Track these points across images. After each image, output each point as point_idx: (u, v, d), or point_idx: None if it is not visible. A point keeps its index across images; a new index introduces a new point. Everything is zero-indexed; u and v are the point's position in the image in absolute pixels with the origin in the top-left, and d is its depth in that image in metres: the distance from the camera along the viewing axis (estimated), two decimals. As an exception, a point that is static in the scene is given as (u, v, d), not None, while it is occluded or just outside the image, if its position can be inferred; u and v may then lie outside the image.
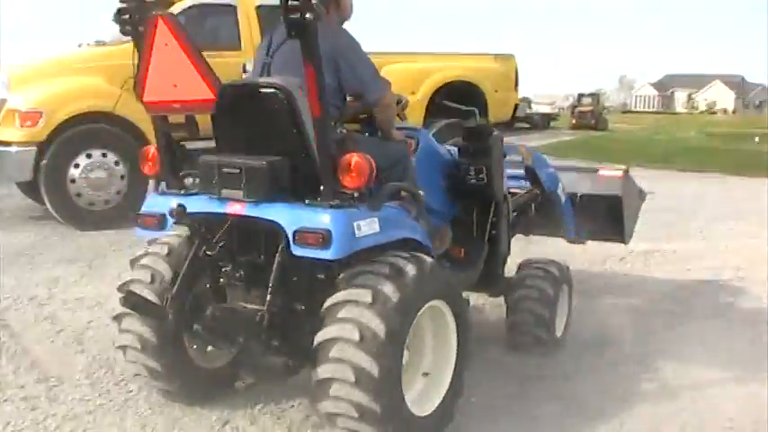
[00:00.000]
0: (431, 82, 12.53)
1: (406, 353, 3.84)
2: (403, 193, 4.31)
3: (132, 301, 4.02)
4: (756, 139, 39.07)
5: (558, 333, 5.54)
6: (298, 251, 3.73)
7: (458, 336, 4.21)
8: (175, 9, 10.32)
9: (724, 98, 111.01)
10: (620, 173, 6.48)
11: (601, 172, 6.68)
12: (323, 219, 3.70)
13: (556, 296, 5.44)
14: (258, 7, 10.98)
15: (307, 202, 3.83)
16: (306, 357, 3.86)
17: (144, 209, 4.32)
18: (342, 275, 3.84)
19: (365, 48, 4.39)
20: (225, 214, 4.02)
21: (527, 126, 44.16)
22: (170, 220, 4.10)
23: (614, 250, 7.84)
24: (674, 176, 20.59)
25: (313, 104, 3.70)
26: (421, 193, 4.37)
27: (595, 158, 24.04)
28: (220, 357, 4.58)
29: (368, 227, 3.79)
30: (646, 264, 8.30)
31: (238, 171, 3.89)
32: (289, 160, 3.92)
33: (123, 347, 4.39)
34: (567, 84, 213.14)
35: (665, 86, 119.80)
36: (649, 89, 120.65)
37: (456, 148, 5.32)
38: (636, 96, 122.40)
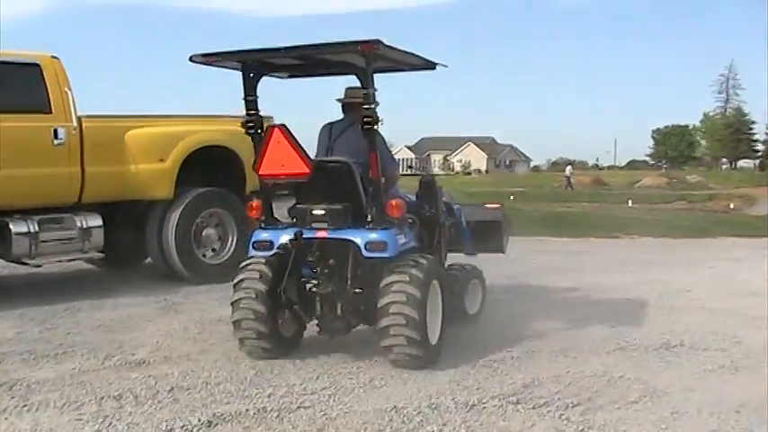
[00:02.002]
0: (182, 147, 11.08)
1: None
2: (410, 221, 7.17)
3: (253, 291, 6.72)
4: (512, 197, 40.49)
5: (472, 311, 8.31)
6: (367, 254, 6.55)
7: (443, 299, 6.91)
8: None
9: (477, 159, 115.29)
10: (498, 205, 9.35)
11: (486, 205, 9.44)
12: (382, 236, 6.54)
13: (465, 284, 8.22)
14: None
15: (363, 226, 6.67)
16: (360, 320, 6.88)
17: (255, 239, 6.98)
18: (387, 267, 6.49)
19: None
20: (315, 237, 6.76)
21: (287, 192, 43.53)
22: (276, 244, 6.86)
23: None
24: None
25: (374, 174, 6.61)
26: (412, 219, 7.26)
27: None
28: (291, 330, 6.91)
29: (402, 239, 6.69)
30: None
31: (324, 212, 6.71)
32: (350, 205, 6.73)
33: (239, 320, 6.81)
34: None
35: (422, 149, 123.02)
36: (406, 152, 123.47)
37: (413, 195, 7.77)
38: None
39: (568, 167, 71.06)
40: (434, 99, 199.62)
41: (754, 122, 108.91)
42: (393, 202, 6.60)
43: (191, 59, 6.89)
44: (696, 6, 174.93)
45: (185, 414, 5.32)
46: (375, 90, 6.51)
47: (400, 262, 6.47)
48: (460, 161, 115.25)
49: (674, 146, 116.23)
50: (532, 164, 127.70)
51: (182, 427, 5.06)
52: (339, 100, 7.49)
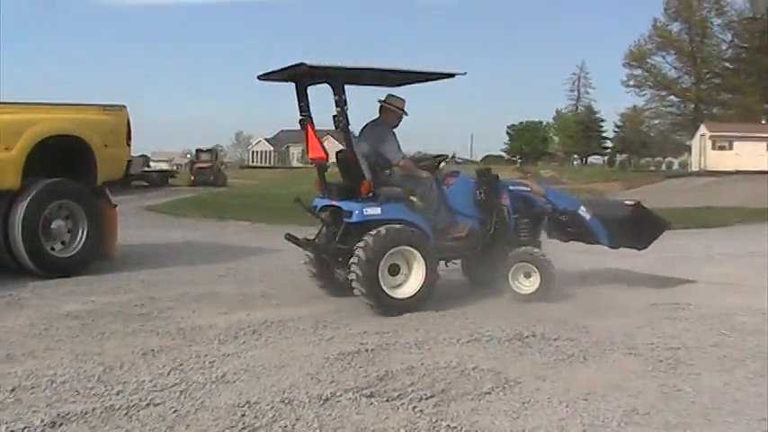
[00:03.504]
0: (30, 136, 10.70)
1: (386, 267, 8.51)
2: (412, 198, 8.88)
3: (293, 241, 9.17)
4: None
5: (521, 291, 9.32)
6: (345, 220, 8.67)
7: (425, 262, 8.63)
8: None
9: (334, 151, 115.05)
10: (632, 202, 10.35)
11: (625, 202, 10.56)
12: (350, 206, 8.60)
13: (510, 266, 9.33)
14: None
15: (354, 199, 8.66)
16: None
17: (313, 204, 9.32)
18: (360, 235, 8.43)
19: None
20: (330, 205, 9.04)
21: (145, 184, 42.74)
22: (317, 209, 9.24)
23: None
24: (295, 231, 20.26)
25: (349, 153, 8.75)
26: (413, 198, 8.91)
27: (216, 214, 23.43)
28: (343, 275, 8.78)
29: (371, 210, 8.52)
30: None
31: (334, 187, 9.15)
32: (351, 183, 8.79)
33: (305, 263, 9.51)
34: (185, 140, 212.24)
35: (281, 142, 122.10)
36: (265, 145, 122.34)
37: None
38: (253, 152, 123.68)
39: (443, 163, 72.02)
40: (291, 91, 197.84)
41: (603, 120, 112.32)
42: (363, 182, 8.57)
43: (259, 78, 9.23)
44: (550, 6, 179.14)
45: (27, 415, 5.09)
46: (344, 97, 8.57)
47: (369, 231, 8.41)
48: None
49: (528, 141, 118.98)
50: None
51: (23, 429, 4.85)
52: (378, 101, 9.42)
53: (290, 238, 9.13)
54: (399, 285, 8.67)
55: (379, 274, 8.42)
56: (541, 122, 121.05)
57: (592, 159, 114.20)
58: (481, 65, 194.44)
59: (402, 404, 5.48)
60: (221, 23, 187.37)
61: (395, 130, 9.39)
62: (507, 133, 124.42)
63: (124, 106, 12.37)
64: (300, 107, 9.25)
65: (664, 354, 6.97)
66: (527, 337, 7.49)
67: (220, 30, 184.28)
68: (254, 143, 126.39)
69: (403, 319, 8.25)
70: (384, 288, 8.47)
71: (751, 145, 59.18)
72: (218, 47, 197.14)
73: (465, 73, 9.49)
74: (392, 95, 9.45)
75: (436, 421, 5.15)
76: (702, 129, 64.61)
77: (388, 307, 8.45)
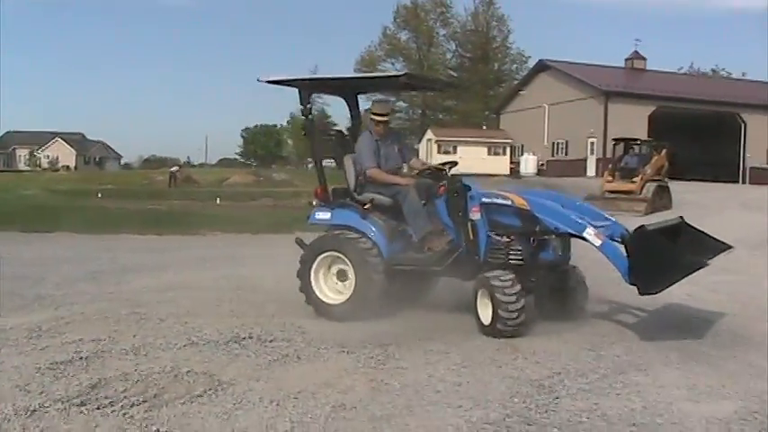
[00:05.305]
0: None
1: (324, 272, 8.86)
2: (367, 205, 8.80)
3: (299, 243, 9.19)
4: (99, 195, 39.56)
5: (483, 320, 7.85)
6: None
7: (353, 268, 8.55)
8: None
9: (65, 155, 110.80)
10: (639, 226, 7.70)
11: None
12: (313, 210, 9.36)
13: (474, 294, 8.04)
14: None
15: None
16: None
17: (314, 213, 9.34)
18: None
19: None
20: None
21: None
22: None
23: None
24: (17, 238, 19.55)
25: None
26: (367, 206, 8.79)
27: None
28: None
29: (322, 215, 9.11)
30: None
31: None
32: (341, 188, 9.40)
33: None
34: None
35: (6, 144, 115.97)
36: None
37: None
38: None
39: (175, 167, 71.12)
40: (19, 91, 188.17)
41: (336, 124, 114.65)
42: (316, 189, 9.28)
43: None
44: (285, 10, 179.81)
45: None
46: (306, 107, 9.20)
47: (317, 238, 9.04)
48: (48, 157, 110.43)
49: (262, 145, 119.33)
50: (123, 161, 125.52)
51: None
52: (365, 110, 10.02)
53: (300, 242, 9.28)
54: (341, 292, 8.81)
55: (311, 279, 8.85)
56: (276, 126, 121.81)
57: (326, 163, 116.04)
58: (216, 66, 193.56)
59: (113, 411, 5.48)
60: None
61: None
62: (242, 136, 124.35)
63: None
64: (351, 115, 10.17)
65: (375, 351, 7.26)
66: (244, 339, 7.61)
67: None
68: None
69: (121, 325, 8.19)
70: (316, 293, 8.83)
71: (473, 149, 62.17)
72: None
73: (405, 74, 9.66)
74: (376, 102, 9.80)
75: (146, 426, 5.20)
76: (429, 133, 67.18)
77: (323, 312, 8.72)
